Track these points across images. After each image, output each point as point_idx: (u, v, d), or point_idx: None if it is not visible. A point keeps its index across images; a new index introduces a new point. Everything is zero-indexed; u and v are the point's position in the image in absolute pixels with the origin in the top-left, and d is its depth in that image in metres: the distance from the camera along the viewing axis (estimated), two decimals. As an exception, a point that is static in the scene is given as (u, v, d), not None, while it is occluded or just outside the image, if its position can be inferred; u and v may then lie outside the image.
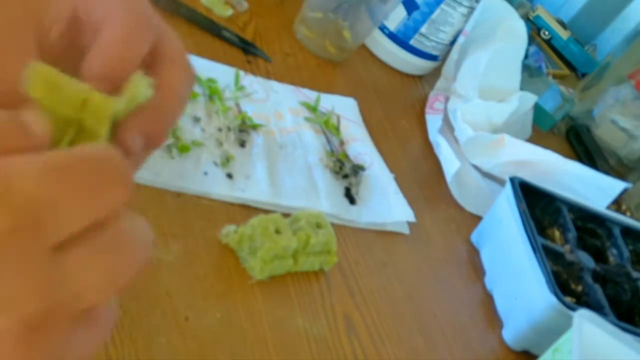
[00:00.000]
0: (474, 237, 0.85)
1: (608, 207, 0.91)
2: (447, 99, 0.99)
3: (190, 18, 0.85)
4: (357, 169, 0.79)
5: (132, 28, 0.32)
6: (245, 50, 0.87)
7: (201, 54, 0.81)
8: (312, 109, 0.85)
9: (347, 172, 0.78)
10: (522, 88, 1.03)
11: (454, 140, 0.95)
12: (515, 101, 0.97)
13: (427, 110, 0.98)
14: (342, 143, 0.83)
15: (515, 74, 1.02)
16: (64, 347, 0.25)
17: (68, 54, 0.33)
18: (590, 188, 0.89)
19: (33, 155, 0.24)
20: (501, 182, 0.93)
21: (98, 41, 0.31)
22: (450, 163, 0.89)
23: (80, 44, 0.33)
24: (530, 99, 1.01)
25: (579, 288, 0.77)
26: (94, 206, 0.24)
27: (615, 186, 0.90)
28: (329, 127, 0.83)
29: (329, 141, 0.82)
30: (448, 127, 0.97)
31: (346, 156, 0.80)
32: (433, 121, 0.96)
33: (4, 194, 0.22)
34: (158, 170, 0.65)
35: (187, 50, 0.34)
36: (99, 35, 0.32)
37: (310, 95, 0.87)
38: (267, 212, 0.69)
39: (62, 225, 0.24)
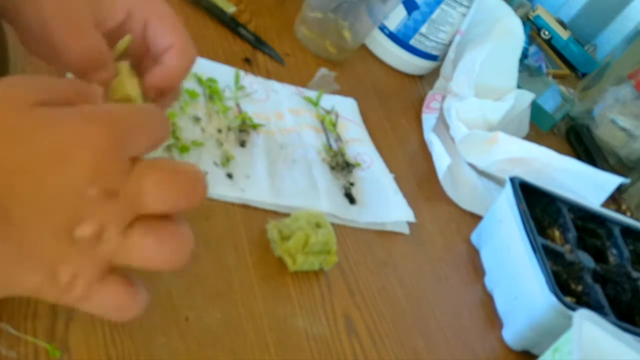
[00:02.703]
0: (473, 237, 0.85)
1: (609, 208, 0.91)
2: (443, 98, 0.99)
3: (209, 11, 0.88)
4: (352, 167, 0.80)
5: (184, 67, 0.51)
6: (258, 49, 0.89)
7: (201, 53, 0.81)
8: (314, 104, 0.85)
9: (343, 165, 0.79)
10: (522, 88, 1.03)
11: (449, 139, 0.96)
12: (511, 99, 0.97)
13: (424, 109, 0.98)
14: (338, 138, 0.83)
15: (511, 72, 1.02)
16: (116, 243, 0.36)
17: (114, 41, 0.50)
18: (586, 184, 0.89)
19: (119, 106, 0.38)
20: (496, 180, 0.94)
21: (163, 65, 0.51)
22: (441, 159, 0.89)
23: (137, 44, 0.51)
24: (528, 97, 1.01)
25: (579, 288, 0.77)
26: (150, 138, 0.38)
27: (611, 181, 0.90)
28: (325, 123, 0.83)
29: (328, 138, 0.82)
30: (445, 126, 0.97)
31: (343, 153, 0.81)
32: (428, 120, 0.96)
33: (110, 121, 0.36)
34: (158, 170, 0.65)
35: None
36: (164, 59, 0.51)
37: (310, 95, 0.87)
38: (267, 212, 0.69)
39: (134, 145, 0.37)
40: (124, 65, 0.49)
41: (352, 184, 0.79)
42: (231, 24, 0.88)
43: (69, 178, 0.35)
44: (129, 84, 0.48)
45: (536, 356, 0.69)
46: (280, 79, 0.86)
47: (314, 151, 0.79)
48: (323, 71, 0.90)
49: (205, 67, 0.80)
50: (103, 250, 0.36)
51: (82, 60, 0.47)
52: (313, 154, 0.79)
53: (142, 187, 0.36)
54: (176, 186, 0.37)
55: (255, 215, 0.69)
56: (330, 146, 0.81)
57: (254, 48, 0.89)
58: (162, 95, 0.51)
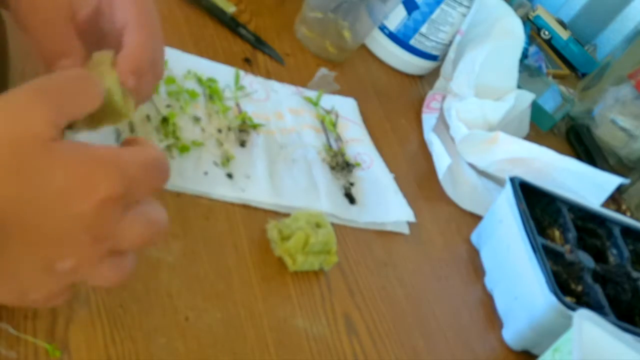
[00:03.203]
0: (473, 237, 0.85)
1: (608, 208, 0.91)
2: (443, 98, 0.99)
3: (209, 11, 0.88)
4: (352, 167, 0.80)
5: (147, 37, 0.50)
6: (258, 49, 0.88)
7: (201, 53, 0.81)
8: (314, 103, 0.85)
9: (343, 165, 0.79)
10: (522, 88, 1.03)
11: (449, 139, 0.96)
12: (511, 99, 0.97)
13: (424, 109, 0.98)
14: (337, 138, 0.83)
15: (512, 72, 1.01)
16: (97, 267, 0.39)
17: (92, 28, 0.51)
18: (586, 184, 0.89)
19: (131, 153, 0.39)
20: (496, 180, 0.94)
21: (125, 46, 0.49)
22: (441, 159, 0.89)
23: (100, 25, 0.51)
24: (528, 97, 1.01)
25: (579, 288, 0.77)
26: (153, 185, 0.40)
27: (611, 181, 0.90)
28: (325, 123, 0.83)
29: (328, 138, 0.82)
30: (444, 126, 0.97)
31: (343, 153, 0.81)
32: (428, 120, 0.96)
33: (123, 174, 0.38)
34: (158, 170, 0.65)
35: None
36: (124, 39, 0.49)
37: (310, 95, 0.87)
38: (267, 212, 0.69)
39: (136, 196, 0.39)
40: (107, 56, 0.47)
41: (352, 184, 0.79)
42: (231, 24, 0.88)
43: (70, 220, 0.37)
44: (109, 78, 0.46)
45: (536, 356, 0.69)
46: (280, 79, 0.86)
47: (314, 151, 0.79)
48: (323, 71, 0.90)
49: (205, 67, 0.80)
50: (71, 279, 0.39)
51: (48, 50, 0.49)
52: (313, 154, 0.79)
53: (126, 236, 0.39)
54: (152, 236, 0.40)
55: (255, 215, 0.69)
56: (330, 146, 0.81)
57: (254, 48, 0.89)
58: (139, 80, 0.48)
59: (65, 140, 0.37)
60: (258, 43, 0.89)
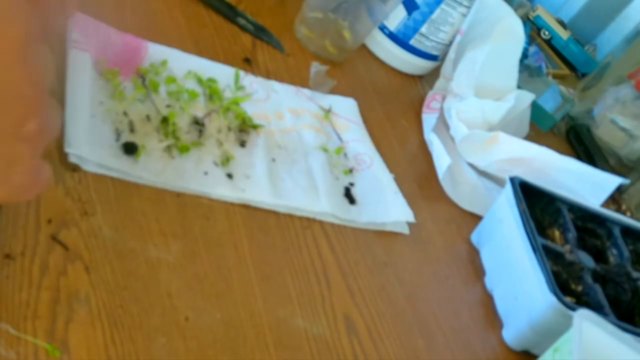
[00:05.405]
0: (474, 237, 0.85)
1: (608, 208, 0.91)
2: (444, 98, 0.99)
3: (207, 1, 0.88)
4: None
5: None
6: (258, 38, 0.89)
7: (201, 53, 0.81)
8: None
9: (350, 167, 0.79)
10: (522, 88, 1.03)
11: (449, 139, 0.96)
12: (511, 99, 0.97)
13: (424, 109, 0.98)
14: (337, 137, 0.83)
15: (512, 72, 1.02)
16: None
17: None
18: (586, 184, 0.89)
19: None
20: (497, 180, 0.94)
21: None
22: (441, 159, 0.89)
23: None
24: (527, 97, 1.01)
25: (579, 288, 0.77)
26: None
27: (611, 181, 0.90)
28: (326, 122, 0.83)
29: (327, 138, 0.82)
30: (445, 126, 0.97)
31: (343, 151, 0.81)
32: (428, 120, 0.96)
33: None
34: (158, 170, 0.65)
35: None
36: None
37: (310, 95, 0.87)
38: (267, 212, 0.69)
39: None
40: None
41: (352, 184, 0.79)
42: (229, 14, 0.88)
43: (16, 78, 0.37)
44: None
45: (536, 356, 0.69)
46: (280, 79, 0.86)
47: (314, 151, 0.79)
48: (316, 66, 0.90)
49: (205, 67, 0.80)
50: (41, 142, 0.40)
51: None
52: (313, 154, 0.79)
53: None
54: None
55: (255, 215, 0.69)
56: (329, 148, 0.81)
57: (254, 37, 0.88)
58: None
59: None
60: (258, 31, 0.89)
